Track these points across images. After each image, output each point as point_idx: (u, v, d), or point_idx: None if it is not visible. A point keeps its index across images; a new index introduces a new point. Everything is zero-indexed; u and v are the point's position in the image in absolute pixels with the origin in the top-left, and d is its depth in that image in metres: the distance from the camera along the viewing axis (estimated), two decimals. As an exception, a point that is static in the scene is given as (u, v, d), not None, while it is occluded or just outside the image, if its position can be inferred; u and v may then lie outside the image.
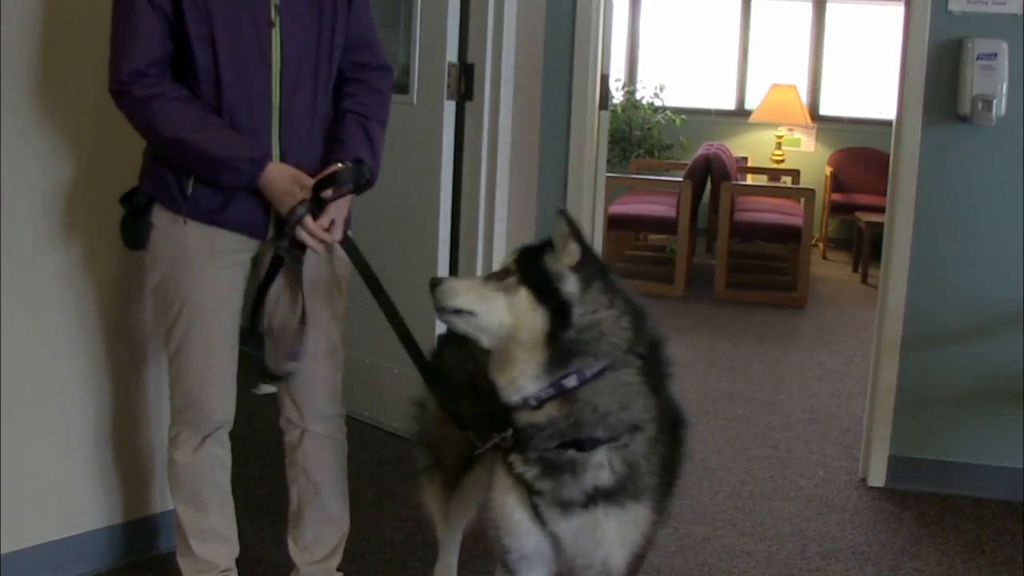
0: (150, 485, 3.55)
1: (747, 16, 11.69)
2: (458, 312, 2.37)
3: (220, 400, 2.96)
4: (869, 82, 11.11)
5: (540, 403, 2.31)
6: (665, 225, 8.78)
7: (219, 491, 3.08)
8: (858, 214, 9.81)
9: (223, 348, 2.92)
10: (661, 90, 11.53)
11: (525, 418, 2.34)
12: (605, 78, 4.95)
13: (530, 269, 2.33)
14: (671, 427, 2.44)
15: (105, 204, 3.02)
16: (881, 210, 5.07)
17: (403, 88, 4.51)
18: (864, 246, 9.38)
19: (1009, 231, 4.22)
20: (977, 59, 4.07)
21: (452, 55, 4.41)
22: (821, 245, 10.77)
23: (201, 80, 2.71)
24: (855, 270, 9.78)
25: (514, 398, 2.32)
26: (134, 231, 2.86)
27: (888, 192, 4.39)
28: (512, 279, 2.33)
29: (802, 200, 8.97)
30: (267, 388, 4.97)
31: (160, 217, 2.84)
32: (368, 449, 4.45)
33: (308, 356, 2.94)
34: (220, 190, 2.75)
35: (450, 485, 2.94)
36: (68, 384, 3.36)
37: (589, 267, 2.32)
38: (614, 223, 8.64)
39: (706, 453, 4.75)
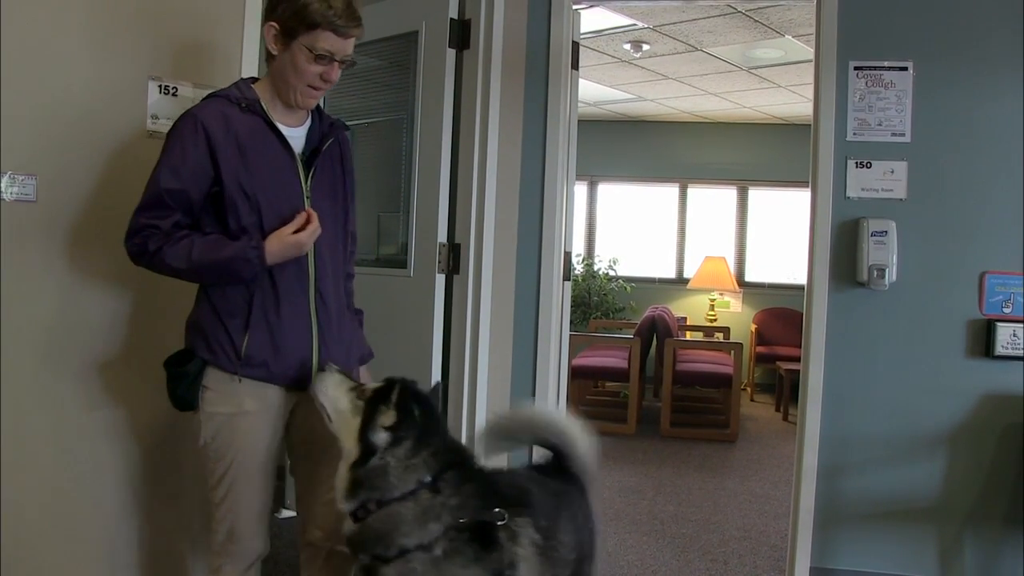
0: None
1: (684, 201, 11.86)
2: (322, 406, 2.52)
3: (259, 535, 2.86)
4: (785, 254, 11.24)
5: (356, 518, 2.40)
6: (619, 375, 8.75)
7: None
8: (779, 363, 9.82)
9: (264, 490, 2.84)
10: (614, 263, 11.63)
11: (348, 527, 2.44)
12: (568, 254, 4.94)
13: (371, 407, 2.42)
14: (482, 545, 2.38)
15: (150, 367, 2.90)
16: (797, 360, 5.08)
17: (402, 264, 4.55)
18: (784, 390, 9.36)
19: (902, 377, 4.23)
20: (871, 235, 4.14)
21: (442, 237, 4.44)
22: (749, 389, 10.75)
23: None
24: (777, 410, 9.74)
25: (343, 508, 2.43)
26: (187, 395, 2.74)
27: (802, 345, 4.39)
28: (361, 403, 2.44)
29: (732, 352, 9.00)
30: (287, 512, 4.91)
31: (213, 379, 2.73)
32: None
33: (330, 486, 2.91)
34: (267, 343, 2.71)
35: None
36: (113, 526, 3.30)
37: (406, 431, 2.40)
38: (576, 373, 8.64)
39: (655, 566, 4.67)
